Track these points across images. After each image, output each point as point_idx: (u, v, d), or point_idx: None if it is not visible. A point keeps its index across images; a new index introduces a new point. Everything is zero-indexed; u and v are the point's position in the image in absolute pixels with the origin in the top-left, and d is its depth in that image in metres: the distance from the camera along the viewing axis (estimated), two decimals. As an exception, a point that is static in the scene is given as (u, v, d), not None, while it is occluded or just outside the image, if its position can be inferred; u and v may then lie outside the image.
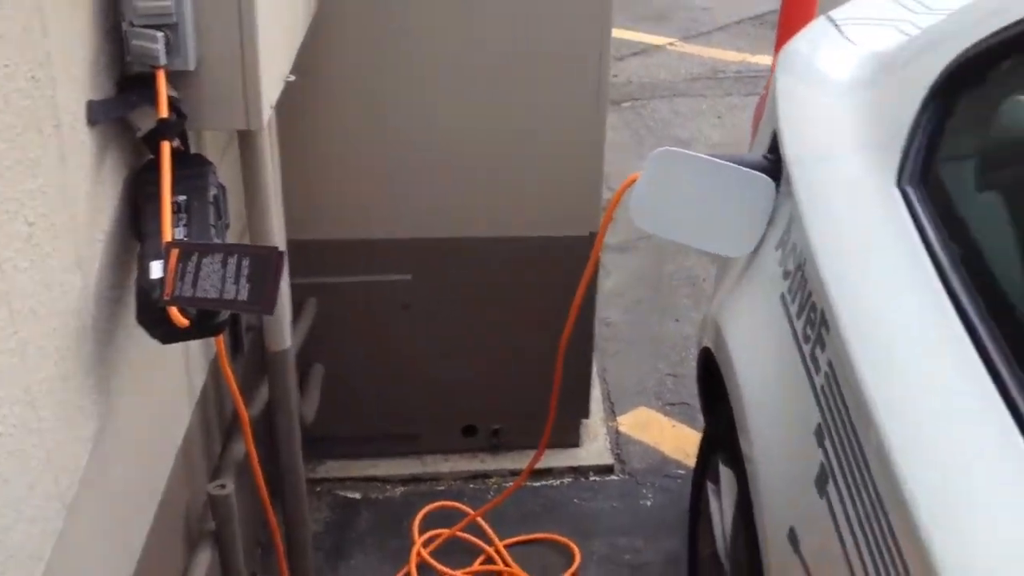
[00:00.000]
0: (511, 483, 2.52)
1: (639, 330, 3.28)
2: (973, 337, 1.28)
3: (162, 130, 1.36)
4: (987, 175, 1.57)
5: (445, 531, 2.45)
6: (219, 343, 1.74)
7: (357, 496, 2.58)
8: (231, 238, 1.57)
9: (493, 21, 2.21)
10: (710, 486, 2.08)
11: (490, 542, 2.45)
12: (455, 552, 2.43)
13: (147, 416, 1.63)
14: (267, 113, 1.53)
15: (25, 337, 1.14)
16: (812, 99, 2.01)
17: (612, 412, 2.92)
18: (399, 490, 2.61)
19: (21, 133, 1.11)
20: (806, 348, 1.56)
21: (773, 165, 1.88)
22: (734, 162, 1.84)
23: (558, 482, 2.67)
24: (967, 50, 1.59)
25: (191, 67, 1.38)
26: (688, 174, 1.81)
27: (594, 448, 2.78)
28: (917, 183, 1.57)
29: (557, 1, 2.21)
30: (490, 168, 2.36)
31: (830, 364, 1.46)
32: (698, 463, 2.19)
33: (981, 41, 1.56)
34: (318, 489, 2.56)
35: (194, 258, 1.31)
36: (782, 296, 1.71)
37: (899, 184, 1.57)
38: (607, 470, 2.71)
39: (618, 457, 2.76)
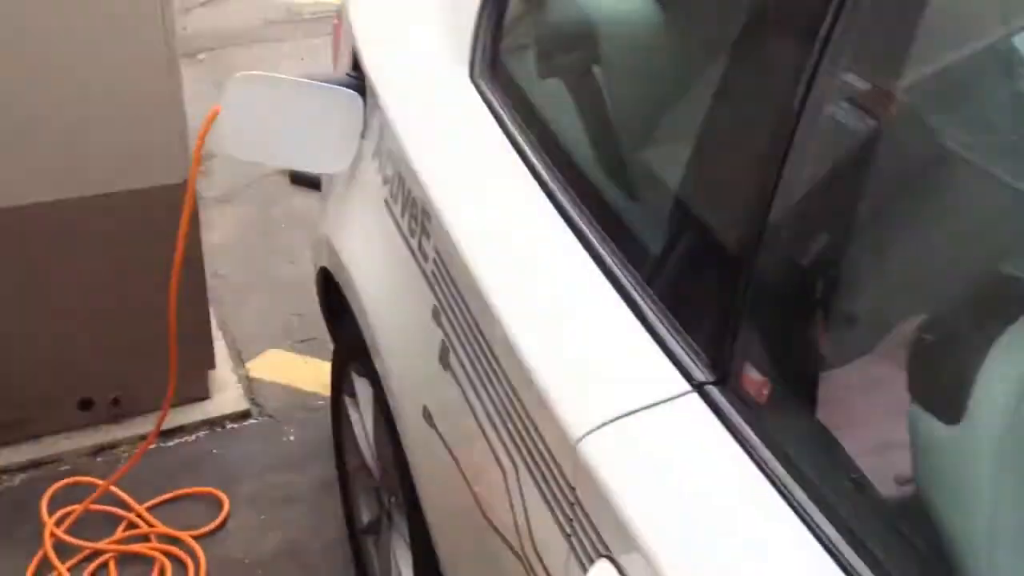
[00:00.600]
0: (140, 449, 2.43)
1: (255, 277, 3.24)
2: (553, 201, 1.43)
3: None
4: (544, 64, 1.75)
5: (77, 507, 2.31)
6: None
7: (-31, 492, 2.37)
8: None
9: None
10: (348, 401, 2.14)
11: (130, 509, 2.35)
12: (94, 526, 2.31)
13: None
14: None
15: None
16: (384, 11, 2.09)
17: (240, 360, 2.88)
18: (19, 477, 2.44)
19: None
20: (413, 241, 1.65)
21: (359, 82, 1.94)
22: (317, 81, 1.88)
23: (192, 437, 2.61)
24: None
25: None
26: (272, 97, 1.83)
27: (227, 397, 2.73)
28: (488, 76, 1.71)
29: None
30: (60, 130, 2.25)
31: (436, 250, 1.56)
32: (333, 381, 2.23)
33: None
34: (-80, 495, 2.32)
35: None
36: (385, 201, 1.78)
37: (471, 77, 1.70)
38: (244, 416, 2.68)
39: (253, 401, 2.74)
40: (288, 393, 2.78)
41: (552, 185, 1.44)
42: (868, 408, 1.09)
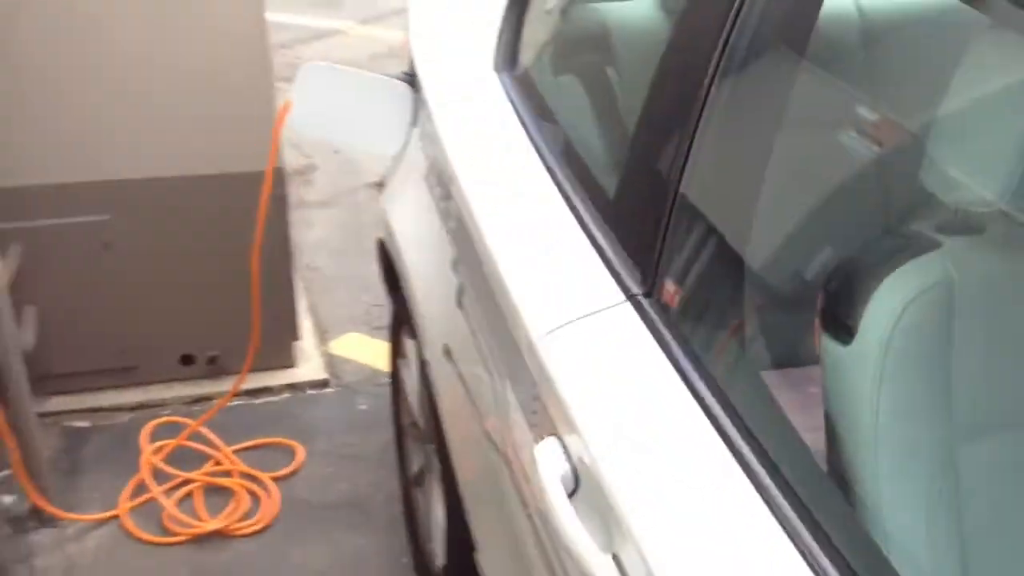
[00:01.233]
0: (232, 402, 2.76)
1: (344, 271, 3.58)
2: (544, 163, 1.69)
3: None
4: (560, 62, 2.01)
5: (172, 441, 2.65)
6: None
7: (86, 424, 2.74)
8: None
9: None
10: (400, 362, 2.38)
11: (217, 449, 2.67)
12: (185, 460, 2.64)
13: None
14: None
15: None
16: (438, 15, 2.37)
17: (324, 339, 3.21)
18: (126, 416, 2.78)
19: None
20: (441, 205, 1.95)
21: (412, 78, 2.22)
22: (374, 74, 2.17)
23: (278, 398, 2.92)
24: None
25: None
26: (336, 84, 2.08)
27: (309, 367, 3.05)
28: (508, 68, 1.99)
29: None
30: (175, 116, 2.61)
31: (456, 210, 1.86)
32: (392, 344, 2.49)
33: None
34: (47, 422, 2.68)
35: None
36: (425, 176, 2.09)
37: (496, 70, 2.00)
38: (323, 384, 2.99)
39: (332, 373, 3.04)
40: (362, 369, 3.09)
41: (544, 151, 1.71)
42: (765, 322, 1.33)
